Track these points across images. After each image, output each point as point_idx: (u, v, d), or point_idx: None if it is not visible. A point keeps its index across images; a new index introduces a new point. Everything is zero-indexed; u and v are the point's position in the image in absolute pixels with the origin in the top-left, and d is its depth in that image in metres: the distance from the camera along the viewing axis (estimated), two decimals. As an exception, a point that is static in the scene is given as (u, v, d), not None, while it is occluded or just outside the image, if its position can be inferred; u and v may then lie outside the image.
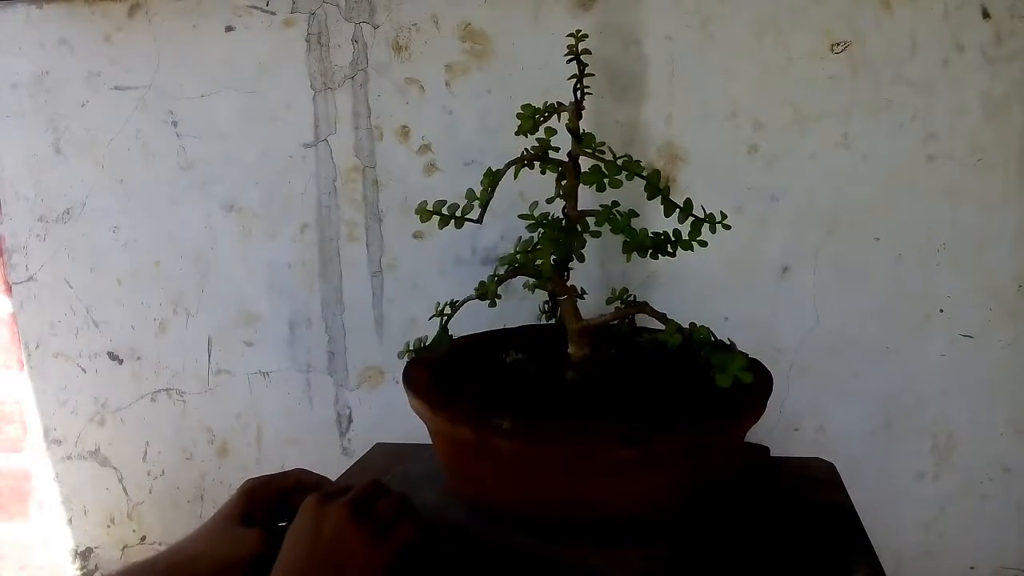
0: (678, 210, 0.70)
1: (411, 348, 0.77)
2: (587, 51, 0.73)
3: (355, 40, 1.02)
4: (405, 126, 1.03)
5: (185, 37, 1.05)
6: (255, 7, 1.03)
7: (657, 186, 0.70)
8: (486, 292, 0.72)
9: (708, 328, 0.69)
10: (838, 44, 0.93)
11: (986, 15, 0.90)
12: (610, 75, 0.97)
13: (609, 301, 0.84)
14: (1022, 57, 0.90)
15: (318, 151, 1.05)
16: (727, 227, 0.70)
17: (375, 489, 0.64)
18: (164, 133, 1.08)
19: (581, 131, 0.73)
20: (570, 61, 0.73)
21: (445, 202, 0.72)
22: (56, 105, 1.10)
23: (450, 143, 1.02)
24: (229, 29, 1.04)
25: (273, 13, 1.03)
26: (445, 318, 0.75)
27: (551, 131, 0.74)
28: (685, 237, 0.71)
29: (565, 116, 0.74)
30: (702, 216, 0.70)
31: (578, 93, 0.73)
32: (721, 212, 0.70)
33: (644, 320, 0.96)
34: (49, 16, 1.08)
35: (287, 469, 0.73)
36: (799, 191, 0.96)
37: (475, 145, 1.01)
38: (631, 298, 0.84)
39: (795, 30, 0.93)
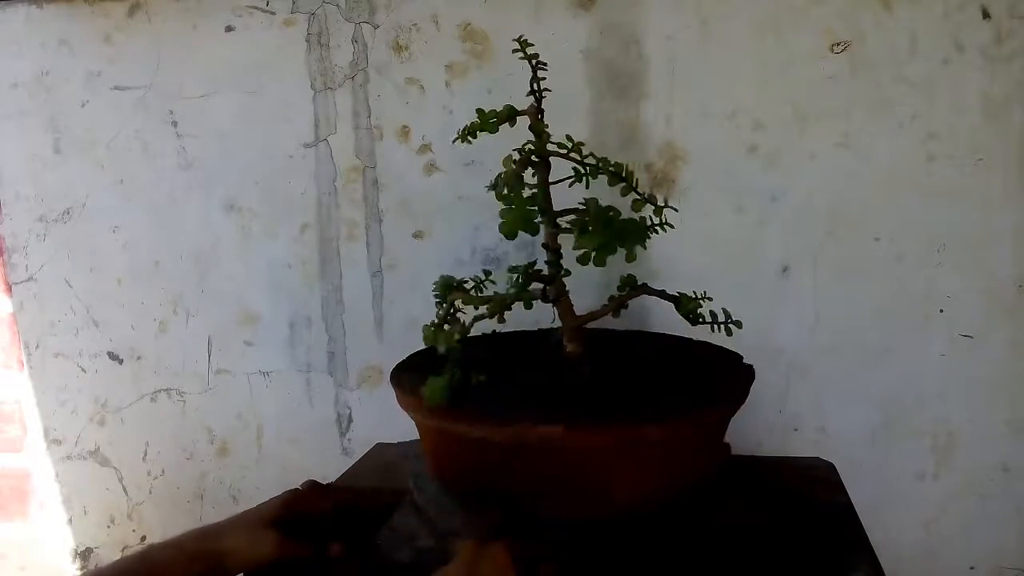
0: (623, 185, 0.71)
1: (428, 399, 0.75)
2: (536, 55, 0.72)
3: (355, 40, 1.02)
4: (405, 126, 1.03)
5: (185, 37, 1.05)
6: (255, 7, 1.03)
7: (620, 176, 0.71)
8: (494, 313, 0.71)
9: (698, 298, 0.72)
10: (838, 44, 0.93)
11: (986, 15, 0.90)
12: (610, 75, 0.97)
13: (620, 288, 0.83)
14: (1022, 57, 0.90)
15: (318, 151, 1.05)
16: (675, 209, 0.71)
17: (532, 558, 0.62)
18: (164, 133, 1.08)
19: (545, 129, 0.73)
20: (522, 59, 0.72)
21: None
22: (56, 105, 1.10)
23: (450, 143, 1.01)
24: (229, 29, 1.04)
25: (273, 13, 1.03)
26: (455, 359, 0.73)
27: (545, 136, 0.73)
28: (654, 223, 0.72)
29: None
30: (647, 198, 0.71)
31: (536, 94, 0.73)
32: (665, 199, 0.72)
33: (645, 324, 0.97)
34: (49, 16, 1.08)
35: (335, 481, 0.74)
36: (799, 191, 0.96)
37: (475, 145, 1.00)
38: (636, 283, 0.84)
39: (795, 30, 0.93)
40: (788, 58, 0.94)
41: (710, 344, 0.82)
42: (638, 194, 0.71)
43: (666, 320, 0.80)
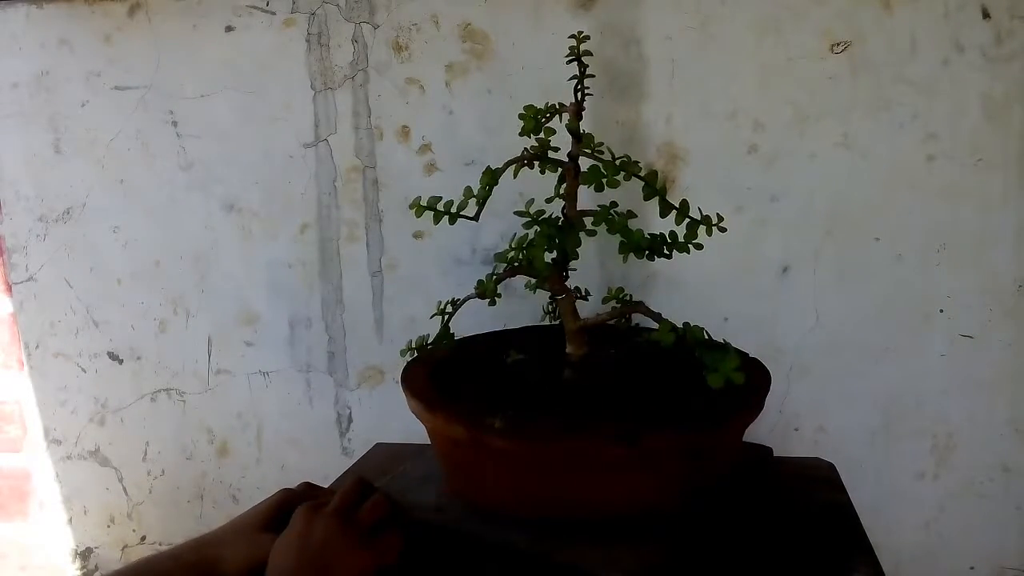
0: (675, 211, 0.70)
1: (413, 346, 0.77)
2: (588, 52, 0.73)
3: (355, 40, 1.02)
4: (405, 126, 1.03)
5: (185, 37, 1.05)
6: (255, 7, 1.03)
7: (654, 186, 0.70)
8: (485, 291, 0.72)
9: (702, 328, 0.69)
10: (838, 44, 0.93)
11: (986, 15, 0.90)
12: (610, 75, 0.97)
13: (605, 300, 0.84)
14: (1022, 57, 0.90)
15: (318, 151, 1.05)
16: (723, 230, 0.70)
17: (361, 491, 0.65)
18: (164, 133, 1.08)
19: (581, 131, 0.73)
20: (571, 62, 0.73)
21: (440, 198, 0.73)
22: (56, 105, 1.10)
23: (450, 143, 1.02)
24: (229, 29, 1.04)
25: (273, 13, 1.03)
26: (446, 316, 0.75)
27: (550, 131, 0.74)
28: (682, 239, 0.71)
29: (566, 116, 0.74)
30: (698, 217, 0.70)
31: (579, 94, 0.73)
32: (718, 214, 0.70)
33: (646, 320, 0.97)
34: (49, 16, 1.08)
35: (296, 481, 0.74)
36: (799, 191, 0.96)
37: (475, 145, 1.01)
38: (628, 297, 0.84)
39: (795, 30, 0.93)
40: (788, 58, 0.94)
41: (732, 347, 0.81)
42: (672, 206, 0.71)
43: (674, 312, 0.80)
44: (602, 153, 0.71)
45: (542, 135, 0.74)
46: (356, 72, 1.03)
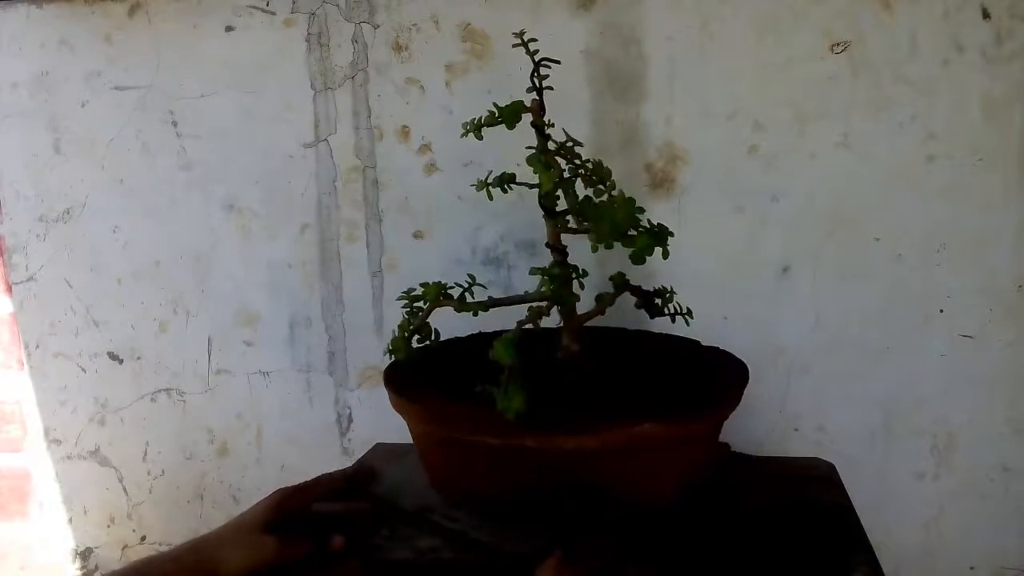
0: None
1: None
2: (537, 50, 0.72)
3: (355, 40, 1.02)
4: (405, 126, 1.03)
5: (185, 37, 1.05)
6: (255, 7, 1.03)
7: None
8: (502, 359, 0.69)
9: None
10: (838, 44, 0.93)
11: (986, 15, 0.90)
12: (610, 75, 0.97)
13: (615, 285, 0.84)
14: (1022, 57, 0.90)
15: (318, 151, 1.05)
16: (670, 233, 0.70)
17: (619, 562, 0.59)
18: (164, 133, 1.08)
19: (546, 129, 0.73)
20: (525, 53, 0.72)
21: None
22: (56, 105, 1.10)
23: (450, 143, 1.02)
24: (229, 29, 1.04)
25: (273, 13, 1.03)
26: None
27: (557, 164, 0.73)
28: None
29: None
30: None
31: (537, 90, 0.73)
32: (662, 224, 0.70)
33: (642, 324, 0.97)
34: (49, 16, 1.08)
35: (316, 476, 0.76)
36: (799, 191, 0.96)
37: (475, 145, 1.01)
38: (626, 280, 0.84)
39: (795, 30, 0.93)
40: (788, 58, 0.94)
41: (709, 346, 0.82)
42: (612, 196, 0.71)
43: (666, 320, 0.80)
44: (576, 151, 0.71)
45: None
46: (356, 72, 1.03)
